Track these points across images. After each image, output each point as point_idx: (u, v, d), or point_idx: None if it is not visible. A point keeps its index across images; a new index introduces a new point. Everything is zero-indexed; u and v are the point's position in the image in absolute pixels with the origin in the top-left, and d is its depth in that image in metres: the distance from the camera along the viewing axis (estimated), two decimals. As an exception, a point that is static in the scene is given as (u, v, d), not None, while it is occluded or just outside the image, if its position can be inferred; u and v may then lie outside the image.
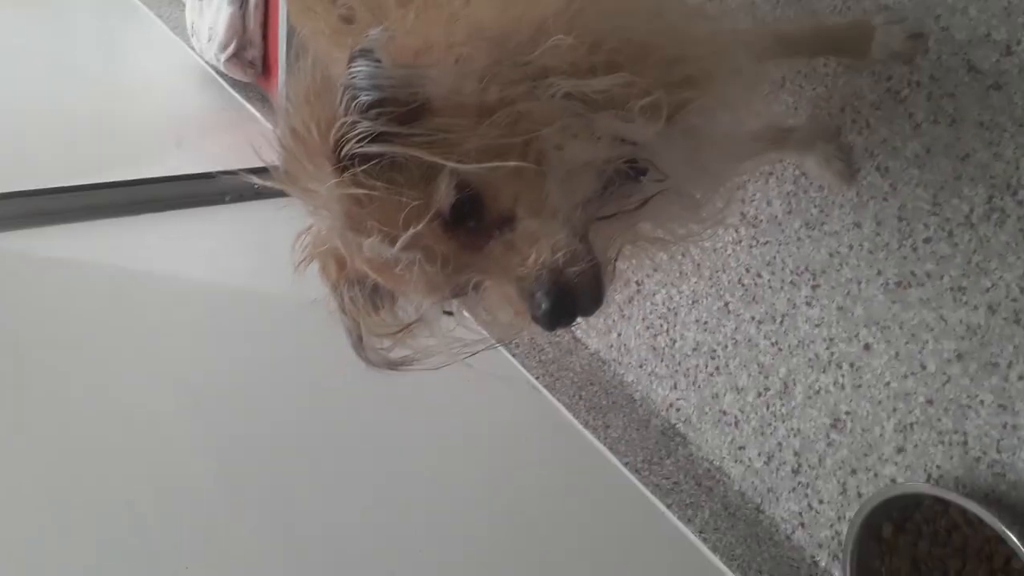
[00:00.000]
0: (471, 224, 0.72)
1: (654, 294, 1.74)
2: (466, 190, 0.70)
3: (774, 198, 1.46)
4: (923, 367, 1.27)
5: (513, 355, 1.88)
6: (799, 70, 1.37)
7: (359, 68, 0.69)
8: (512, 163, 0.69)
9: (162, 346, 1.71)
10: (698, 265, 1.62)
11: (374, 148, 0.69)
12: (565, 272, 0.70)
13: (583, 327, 1.93)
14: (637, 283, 1.76)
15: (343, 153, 0.70)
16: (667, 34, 0.85)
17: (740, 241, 1.53)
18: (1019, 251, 1.13)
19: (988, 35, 1.13)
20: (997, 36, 1.12)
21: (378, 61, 0.70)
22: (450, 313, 0.83)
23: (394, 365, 0.84)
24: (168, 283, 1.91)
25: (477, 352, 0.83)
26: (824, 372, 1.42)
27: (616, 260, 0.78)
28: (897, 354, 1.30)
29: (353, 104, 0.69)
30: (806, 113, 1.37)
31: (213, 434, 1.54)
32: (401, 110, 0.70)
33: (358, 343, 0.85)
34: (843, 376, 1.39)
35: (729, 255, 1.56)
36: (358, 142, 0.69)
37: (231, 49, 2.53)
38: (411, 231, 0.69)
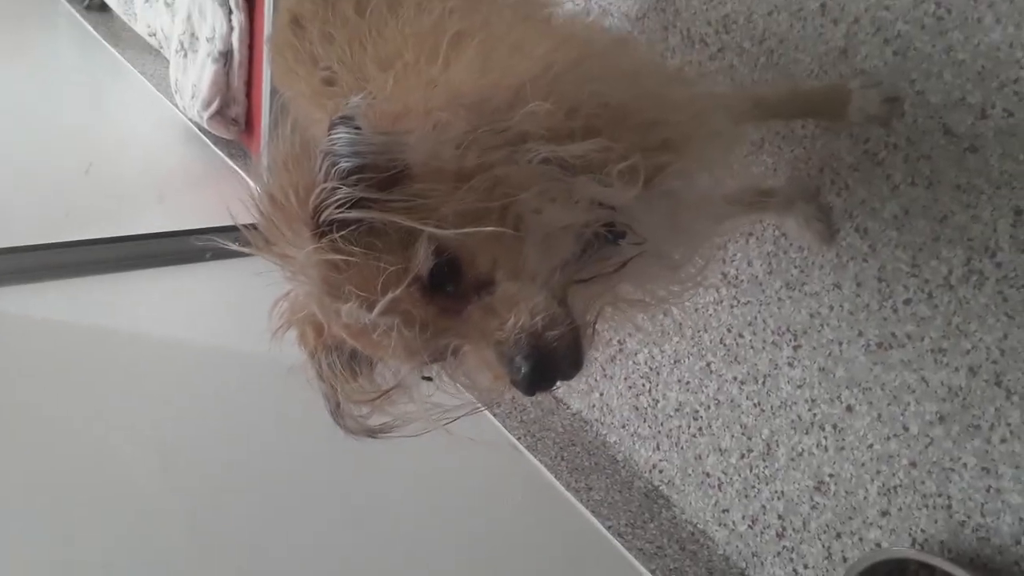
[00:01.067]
0: (450, 288, 0.71)
1: (636, 354, 1.73)
2: (444, 254, 0.70)
3: (755, 258, 1.46)
4: (906, 429, 1.26)
5: (494, 415, 1.86)
6: (778, 132, 1.38)
7: (339, 135, 0.70)
8: (489, 228, 0.69)
9: (137, 406, 1.68)
10: (680, 325, 1.62)
11: (353, 214, 0.69)
12: (544, 336, 0.69)
13: (565, 388, 1.91)
14: (619, 343, 1.75)
15: (321, 219, 0.70)
16: (645, 98, 0.86)
17: (721, 301, 1.53)
18: (998, 313, 1.13)
19: (963, 99, 1.14)
20: (972, 100, 1.13)
21: (358, 128, 0.70)
22: (429, 379, 0.81)
23: (373, 433, 0.83)
24: (146, 342, 1.88)
25: (458, 418, 0.82)
26: (807, 434, 1.40)
27: (595, 323, 0.78)
28: (879, 416, 1.29)
29: (333, 170, 0.69)
30: (785, 174, 1.38)
31: (186, 495, 1.51)
32: (380, 176, 0.70)
33: (336, 410, 0.84)
34: (826, 438, 1.37)
35: (711, 315, 1.55)
36: (337, 208, 0.69)
37: (215, 106, 2.54)
38: (389, 296, 0.68)
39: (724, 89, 1.44)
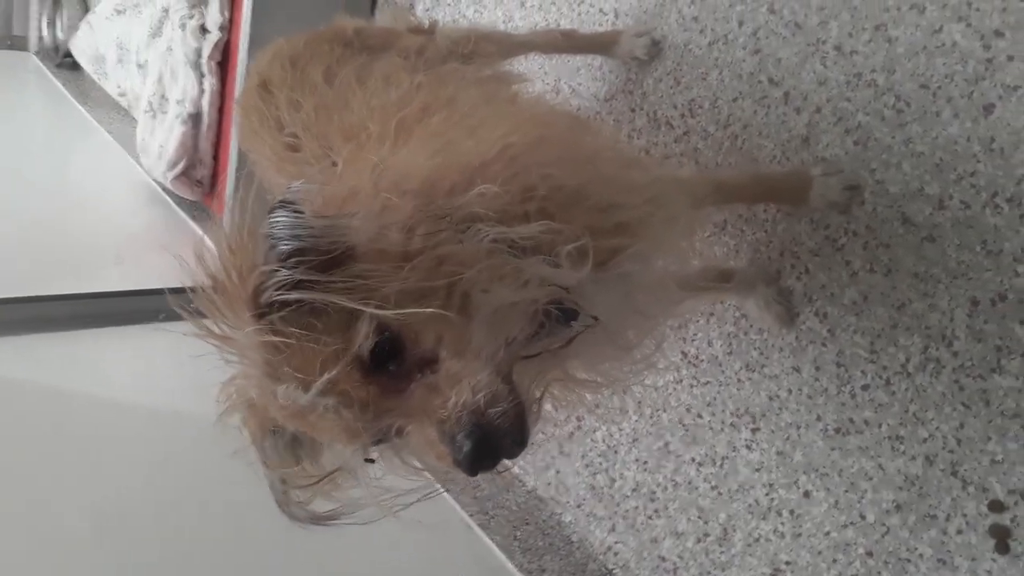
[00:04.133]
0: (392, 367, 0.70)
1: (594, 431, 1.70)
2: (385, 333, 0.69)
3: (715, 338, 1.46)
4: (862, 517, 1.25)
5: (447, 491, 1.82)
6: (740, 215, 1.40)
7: (278, 218, 0.70)
8: (429, 309, 0.68)
9: (77, 467, 1.61)
10: (639, 403, 1.60)
11: (292, 295, 0.68)
12: (487, 413, 0.68)
13: (521, 464, 1.87)
14: (577, 419, 1.73)
15: (261, 300, 0.69)
16: (602, 182, 0.87)
17: (681, 380, 1.52)
18: (955, 402, 1.14)
19: (921, 189, 1.17)
20: (930, 191, 1.16)
21: (298, 212, 0.70)
22: (371, 461, 0.79)
23: (319, 520, 0.80)
24: (92, 402, 1.82)
25: (411, 504, 0.79)
26: (764, 519, 1.38)
27: (542, 400, 0.76)
28: (837, 503, 1.28)
29: (272, 253, 0.69)
30: (747, 256, 1.40)
31: (125, 561, 1.43)
32: (321, 258, 0.69)
33: (283, 498, 0.81)
34: (783, 524, 1.35)
35: (670, 394, 1.54)
36: (276, 290, 0.68)
37: (180, 167, 2.53)
38: (326, 376, 0.67)
39: (686, 172, 1.46)
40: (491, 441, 0.68)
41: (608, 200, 0.84)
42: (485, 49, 1.37)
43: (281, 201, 0.71)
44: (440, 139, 0.89)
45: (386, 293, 0.69)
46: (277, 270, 0.68)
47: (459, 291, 0.71)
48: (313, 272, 0.69)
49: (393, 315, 0.68)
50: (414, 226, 0.72)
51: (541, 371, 0.78)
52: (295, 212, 0.70)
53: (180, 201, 2.76)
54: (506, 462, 0.71)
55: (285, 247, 0.69)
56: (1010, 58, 1.08)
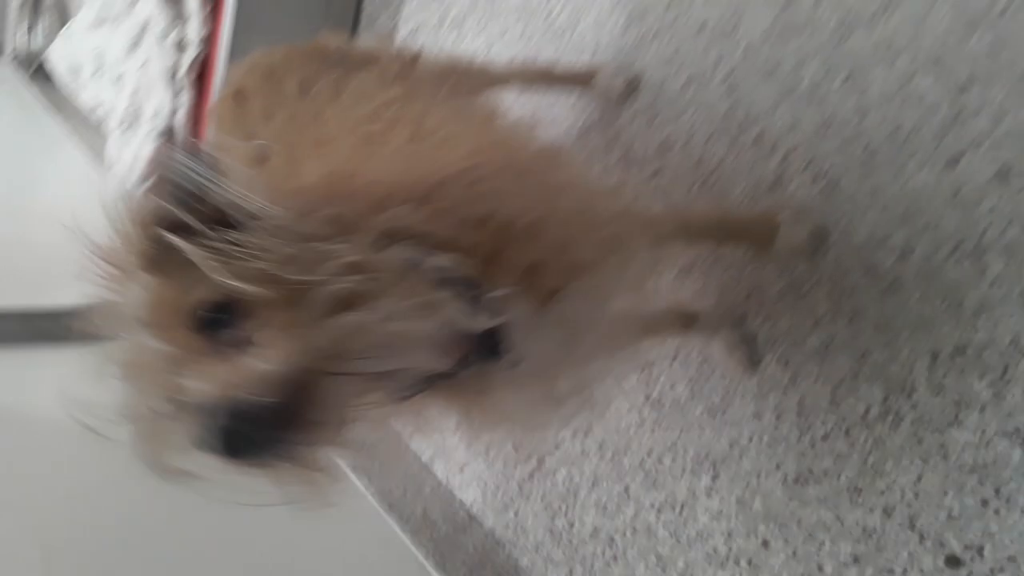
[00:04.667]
0: (221, 335, 0.66)
1: (555, 472, 1.67)
2: (225, 297, 0.65)
3: (678, 381, 1.44)
4: (820, 569, 1.22)
5: (402, 530, 1.77)
6: (707, 257, 1.39)
7: (191, 163, 0.67)
8: (255, 288, 0.64)
9: (25, 493, 1.55)
10: (600, 445, 1.57)
11: (169, 237, 0.66)
12: (234, 396, 0.61)
13: (479, 503, 1.83)
14: (538, 460, 1.70)
15: (148, 240, 0.67)
16: (561, 219, 0.85)
17: (643, 423, 1.50)
18: (913, 455, 1.12)
19: (886, 239, 1.16)
20: (894, 241, 1.15)
21: (213, 167, 0.67)
22: None
23: (169, 473, 0.69)
24: (40, 423, 1.77)
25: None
26: (722, 567, 1.35)
27: (343, 425, 0.67)
28: (795, 553, 1.25)
29: (170, 190, 0.67)
30: (713, 298, 1.38)
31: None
32: (211, 213, 0.67)
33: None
34: (741, 573, 1.32)
35: (632, 436, 1.52)
36: (158, 225, 0.66)
37: (151, 181, 2.50)
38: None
39: (655, 209, 1.45)
40: (211, 421, 0.61)
41: (564, 238, 0.82)
42: (464, 83, 1.37)
43: (202, 152, 0.68)
44: (403, 152, 0.87)
45: (248, 266, 0.65)
46: (167, 208, 0.66)
47: (331, 292, 0.65)
48: (197, 222, 0.66)
49: (228, 285, 0.64)
50: (325, 220, 0.69)
51: (368, 401, 0.68)
52: (211, 165, 0.68)
53: (149, 217, 2.72)
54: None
55: (185, 187, 0.67)
56: (977, 112, 1.08)
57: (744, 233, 1.31)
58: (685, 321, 1.34)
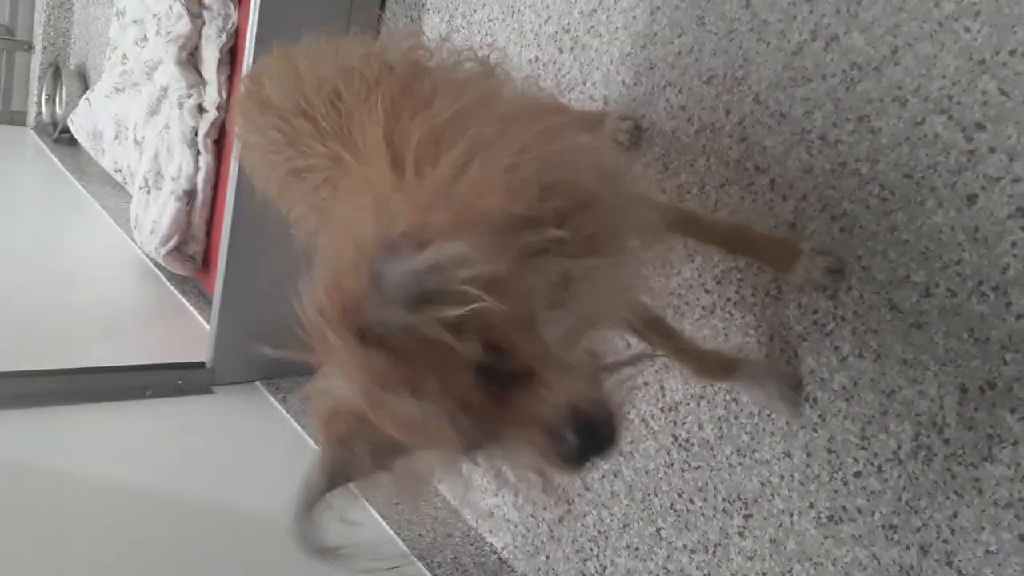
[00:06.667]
0: (494, 379, 0.75)
1: (585, 515, 1.68)
2: (494, 347, 0.74)
3: (706, 422, 1.45)
4: (859, 608, 1.22)
5: (434, 575, 1.77)
6: (729, 298, 1.41)
7: (391, 268, 0.70)
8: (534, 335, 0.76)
9: (58, 549, 1.57)
10: (630, 487, 1.58)
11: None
12: (586, 412, 0.75)
13: (510, 547, 1.84)
14: (568, 503, 1.70)
15: (366, 331, 0.72)
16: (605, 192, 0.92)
17: (672, 464, 1.51)
18: (948, 491, 1.13)
19: (908, 277, 1.18)
20: (916, 278, 1.17)
21: (403, 256, 0.71)
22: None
23: (323, 552, 0.80)
24: (78, 481, 1.79)
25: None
26: (758, 609, 1.35)
27: (623, 404, 0.82)
28: (832, 593, 1.26)
29: (392, 300, 0.71)
30: (736, 340, 1.40)
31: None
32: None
33: (303, 512, 0.80)
34: (777, 614, 1.32)
35: (661, 478, 1.53)
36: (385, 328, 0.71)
37: (173, 243, 2.54)
38: (442, 383, 0.72)
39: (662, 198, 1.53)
40: (594, 432, 0.75)
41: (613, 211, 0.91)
42: None
43: (387, 243, 0.72)
44: (482, 149, 0.88)
45: (489, 319, 0.72)
46: (389, 312, 0.71)
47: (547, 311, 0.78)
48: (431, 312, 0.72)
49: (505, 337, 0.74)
50: (504, 249, 0.76)
51: (621, 380, 0.83)
52: (402, 257, 0.71)
53: (171, 276, 2.77)
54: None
55: (403, 296, 0.70)
56: (992, 150, 1.10)
57: (761, 250, 1.32)
58: (727, 366, 1.35)
